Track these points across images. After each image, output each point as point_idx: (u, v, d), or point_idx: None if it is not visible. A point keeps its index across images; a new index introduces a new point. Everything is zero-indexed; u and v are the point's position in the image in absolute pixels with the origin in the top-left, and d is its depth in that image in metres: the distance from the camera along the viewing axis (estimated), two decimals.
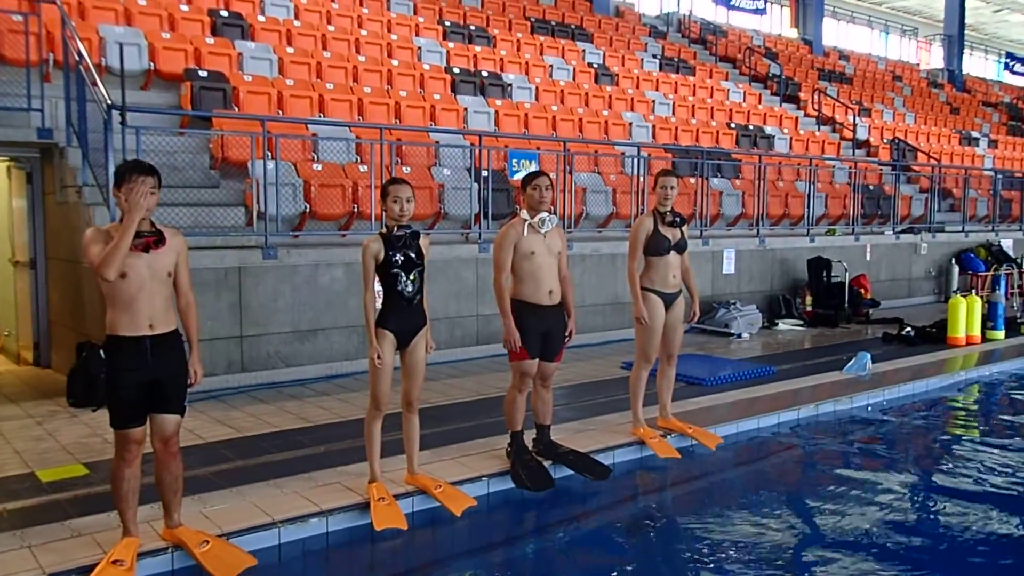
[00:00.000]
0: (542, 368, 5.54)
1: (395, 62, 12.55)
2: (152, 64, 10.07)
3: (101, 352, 4.13)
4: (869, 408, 7.70)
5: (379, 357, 4.78)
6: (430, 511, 4.98)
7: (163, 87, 10.10)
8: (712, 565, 4.51)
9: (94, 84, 7.41)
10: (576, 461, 5.65)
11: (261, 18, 12.37)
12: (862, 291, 12.84)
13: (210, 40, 10.93)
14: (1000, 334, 10.94)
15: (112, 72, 9.29)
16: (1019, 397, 8.66)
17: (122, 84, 7.54)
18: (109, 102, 7.08)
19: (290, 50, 11.55)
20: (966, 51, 31.48)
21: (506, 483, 5.37)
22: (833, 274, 12.42)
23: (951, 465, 6.31)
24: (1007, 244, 16.25)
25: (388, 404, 4.91)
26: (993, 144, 23.29)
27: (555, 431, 5.87)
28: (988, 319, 10.94)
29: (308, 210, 8.70)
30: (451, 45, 14.21)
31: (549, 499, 5.32)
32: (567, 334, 5.58)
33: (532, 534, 5.13)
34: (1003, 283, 12.92)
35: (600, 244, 10.44)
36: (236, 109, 9.73)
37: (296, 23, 12.61)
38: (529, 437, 5.67)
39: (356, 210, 8.95)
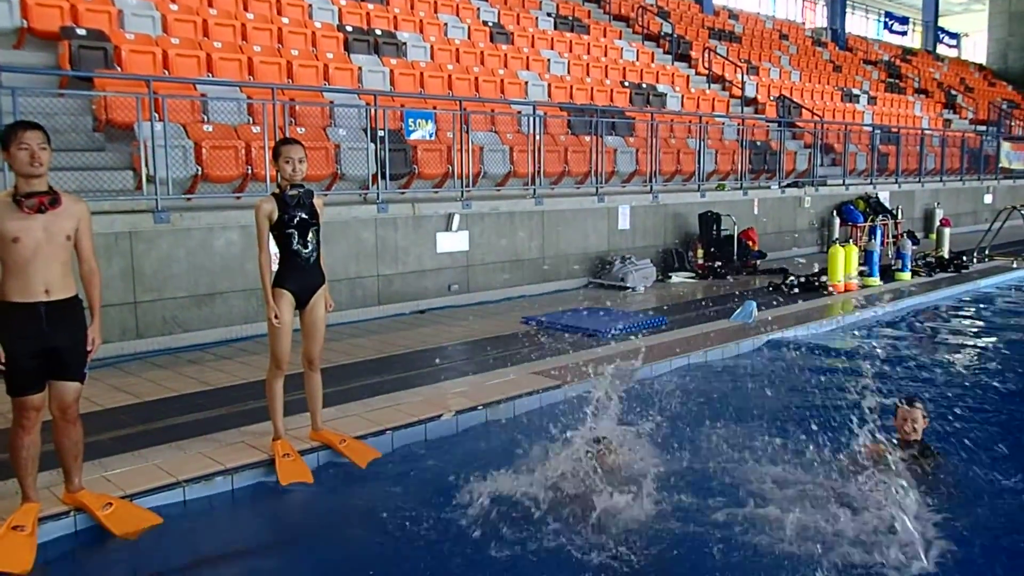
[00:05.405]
0: None
1: (285, 20, 12.26)
2: (25, 21, 9.58)
3: None
4: (754, 352, 8.14)
5: (277, 316, 4.82)
6: (336, 465, 5.08)
7: (38, 46, 9.62)
8: None
9: None
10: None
11: None
12: (750, 243, 13.43)
13: None
14: (875, 280, 11.66)
15: None
16: (885, 337, 9.30)
17: None
18: None
19: (174, 7, 11.14)
20: (848, 10, 32.77)
21: (411, 436, 5.50)
22: (723, 228, 12.93)
23: (825, 401, 6.75)
24: (884, 196, 17.23)
25: (289, 363, 4.97)
26: (872, 101, 24.42)
27: (459, 384, 6.03)
28: (864, 266, 11.63)
29: (200, 172, 8.52)
30: (343, 2, 13.94)
31: (450, 451, 5.47)
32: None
33: (438, 483, 5.28)
34: (879, 233, 13.71)
35: (498, 202, 10.59)
36: (119, 69, 9.37)
37: None
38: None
39: (250, 172, 8.81)
